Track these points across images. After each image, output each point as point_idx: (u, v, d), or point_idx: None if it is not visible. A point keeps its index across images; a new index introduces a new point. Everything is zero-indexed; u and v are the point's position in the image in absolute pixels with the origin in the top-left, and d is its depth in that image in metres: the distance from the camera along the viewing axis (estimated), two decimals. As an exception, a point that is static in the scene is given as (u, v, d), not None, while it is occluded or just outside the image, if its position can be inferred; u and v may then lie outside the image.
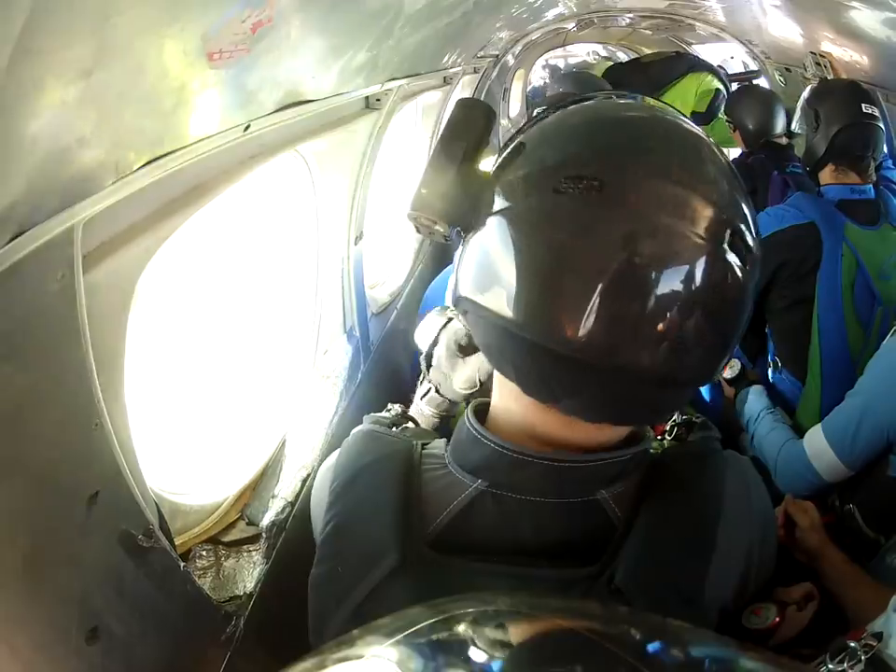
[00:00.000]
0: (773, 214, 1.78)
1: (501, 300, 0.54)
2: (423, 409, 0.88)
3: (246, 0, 0.68)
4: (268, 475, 1.24)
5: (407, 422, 0.81)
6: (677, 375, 0.55)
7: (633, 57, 4.87)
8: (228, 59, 0.73)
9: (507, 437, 0.61)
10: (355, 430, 0.73)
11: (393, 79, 1.52)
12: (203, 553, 1.02)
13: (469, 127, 0.59)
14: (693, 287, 0.51)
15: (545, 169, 0.54)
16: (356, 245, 1.55)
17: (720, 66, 4.20)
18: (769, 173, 2.50)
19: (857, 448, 1.35)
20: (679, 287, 0.51)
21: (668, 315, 0.51)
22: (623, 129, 0.57)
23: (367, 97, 1.51)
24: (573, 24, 4.22)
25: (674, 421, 0.80)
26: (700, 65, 4.15)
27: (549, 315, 0.52)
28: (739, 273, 0.53)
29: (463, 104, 0.61)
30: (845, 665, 0.65)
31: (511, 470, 0.60)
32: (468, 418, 0.64)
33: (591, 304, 0.50)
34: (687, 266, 0.51)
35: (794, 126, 1.93)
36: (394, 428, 0.76)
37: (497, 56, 3.65)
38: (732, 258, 0.52)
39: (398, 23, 1.25)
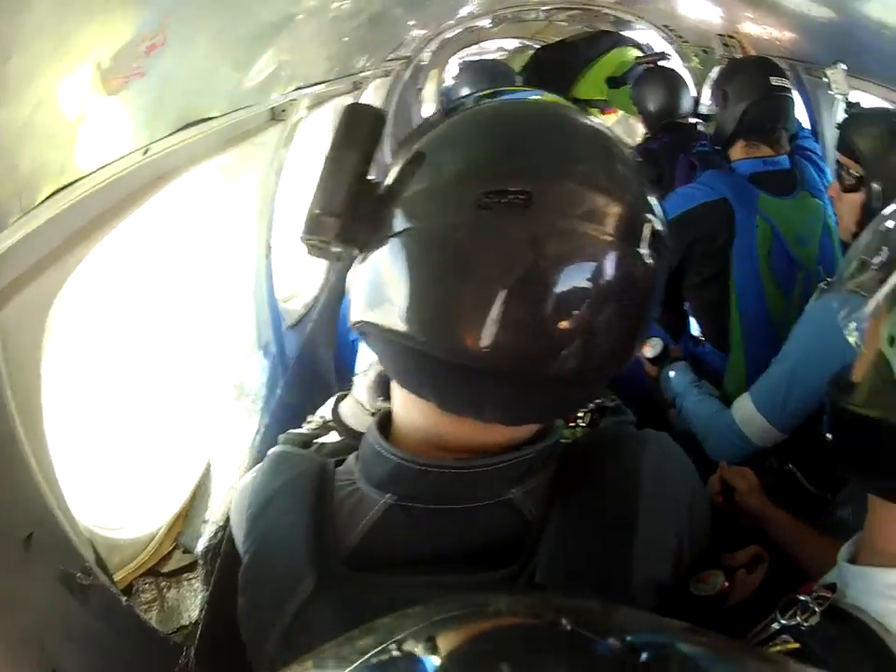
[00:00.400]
0: (682, 193, 1.83)
1: (415, 322, 0.53)
2: (358, 393, 0.84)
3: (141, 25, 0.70)
4: (197, 500, 1.23)
5: (327, 433, 0.80)
6: (591, 371, 0.55)
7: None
8: (124, 84, 0.74)
9: (411, 447, 0.61)
10: (269, 452, 0.72)
11: (298, 89, 1.54)
12: (145, 586, 1.02)
13: (357, 137, 0.56)
14: (609, 288, 0.52)
15: (460, 182, 0.52)
16: (266, 258, 1.55)
17: (647, 46, 4.27)
18: (675, 156, 2.50)
19: (787, 412, 1.36)
20: (592, 287, 0.52)
21: (580, 315, 0.51)
22: (540, 136, 0.55)
23: (272, 108, 1.52)
24: (488, 21, 4.29)
25: (586, 408, 0.81)
26: (625, 41, 4.23)
27: (471, 332, 0.51)
28: (653, 268, 0.54)
29: (348, 111, 0.58)
30: (798, 618, 0.64)
31: (417, 482, 0.60)
32: (370, 432, 0.64)
33: (509, 316, 0.50)
34: (604, 268, 0.52)
35: (703, 108, 1.95)
36: (313, 442, 0.77)
37: (410, 57, 3.67)
38: (646, 254, 0.53)
39: (299, 31, 1.28)
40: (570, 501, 0.61)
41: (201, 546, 1.14)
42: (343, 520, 0.62)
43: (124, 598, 0.89)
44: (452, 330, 0.52)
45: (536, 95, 1.34)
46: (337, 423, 0.81)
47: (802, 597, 0.64)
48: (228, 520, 1.20)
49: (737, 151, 1.86)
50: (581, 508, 0.61)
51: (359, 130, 0.57)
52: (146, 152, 0.89)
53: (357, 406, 0.81)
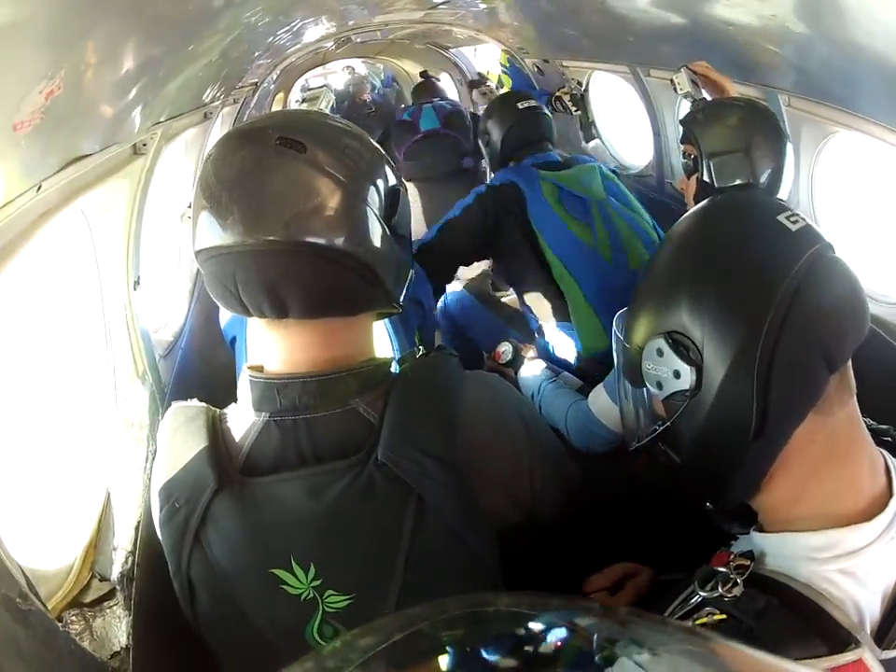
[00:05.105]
0: (475, 191, 2.17)
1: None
2: None
3: (43, 74, 0.82)
4: (103, 530, 1.29)
5: None
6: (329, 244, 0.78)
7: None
8: (27, 128, 0.85)
9: (272, 371, 0.84)
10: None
11: (157, 124, 1.64)
12: (73, 618, 1.07)
13: None
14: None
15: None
16: (135, 290, 1.64)
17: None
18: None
19: None
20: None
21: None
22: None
23: (134, 144, 1.61)
24: (331, 43, 4.49)
25: (424, 353, 1.02)
26: None
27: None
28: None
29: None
30: (720, 590, 0.66)
31: (279, 396, 0.82)
32: (244, 369, 0.87)
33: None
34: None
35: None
36: None
37: (257, 83, 3.81)
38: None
39: (160, 71, 1.40)
40: (400, 402, 0.84)
41: (115, 574, 1.21)
42: (232, 440, 0.85)
43: (60, 625, 0.95)
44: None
45: None
46: None
47: (721, 569, 0.69)
48: (135, 545, 1.28)
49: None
50: (409, 405, 0.84)
51: None
52: (39, 189, 0.99)
53: None
